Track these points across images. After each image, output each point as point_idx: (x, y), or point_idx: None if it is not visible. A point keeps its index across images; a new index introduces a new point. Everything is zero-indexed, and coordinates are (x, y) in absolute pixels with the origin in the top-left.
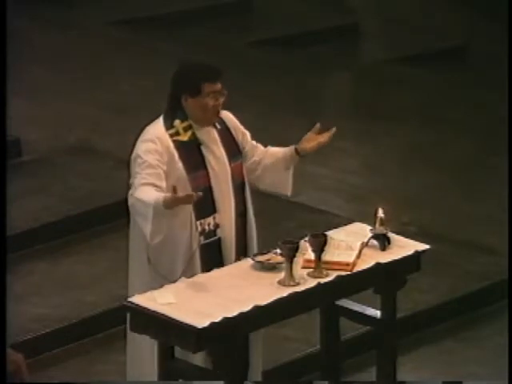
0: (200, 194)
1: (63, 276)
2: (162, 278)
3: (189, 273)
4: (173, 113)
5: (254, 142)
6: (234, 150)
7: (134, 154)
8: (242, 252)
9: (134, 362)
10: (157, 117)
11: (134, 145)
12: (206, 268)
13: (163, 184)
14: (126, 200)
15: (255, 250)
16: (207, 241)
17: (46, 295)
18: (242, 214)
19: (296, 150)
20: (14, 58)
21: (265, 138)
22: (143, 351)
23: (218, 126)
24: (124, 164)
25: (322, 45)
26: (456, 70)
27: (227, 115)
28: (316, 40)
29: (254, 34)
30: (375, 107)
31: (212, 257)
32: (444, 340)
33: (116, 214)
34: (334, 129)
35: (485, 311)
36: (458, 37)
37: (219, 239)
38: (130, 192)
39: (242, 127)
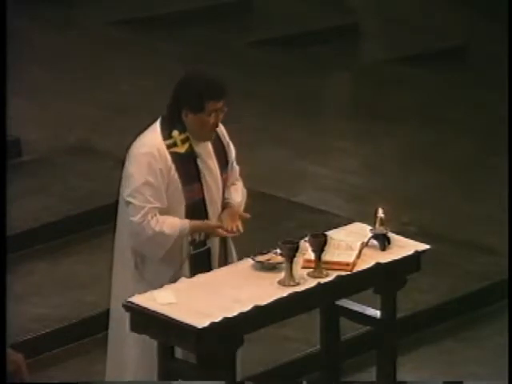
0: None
1: (63, 276)
2: (147, 285)
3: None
4: (171, 123)
5: (236, 167)
6: (224, 160)
7: (131, 167)
8: (224, 260)
9: (115, 369)
10: (157, 117)
11: (129, 148)
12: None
13: (165, 202)
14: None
15: (235, 258)
16: (197, 250)
17: (46, 295)
18: None
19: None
20: (14, 58)
21: (265, 138)
22: (126, 358)
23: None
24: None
25: (322, 45)
26: (456, 70)
27: None
28: (316, 40)
29: (254, 33)
30: (375, 107)
31: (201, 265)
32: (444, 340)
33: (116, 214)
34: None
35: (485, 311)
36: (458, 37)
37: (208, 249)
38: (137, 218)
39: (227, 137)
